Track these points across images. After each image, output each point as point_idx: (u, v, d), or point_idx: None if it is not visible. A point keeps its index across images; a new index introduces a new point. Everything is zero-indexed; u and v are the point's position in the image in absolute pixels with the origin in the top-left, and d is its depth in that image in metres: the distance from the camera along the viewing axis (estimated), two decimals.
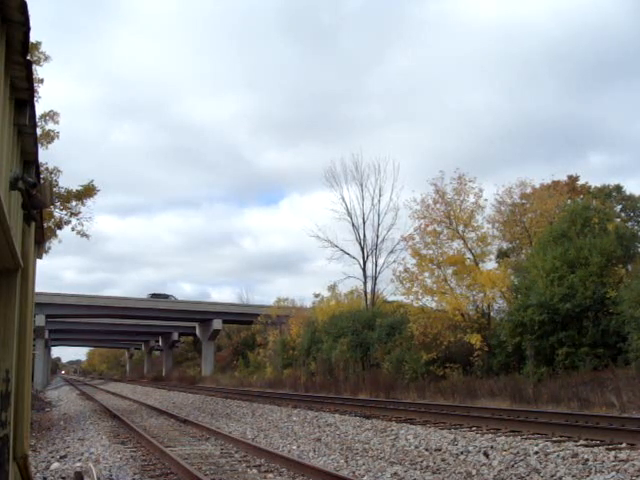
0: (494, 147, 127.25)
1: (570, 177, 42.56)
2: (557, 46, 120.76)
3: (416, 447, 11.24)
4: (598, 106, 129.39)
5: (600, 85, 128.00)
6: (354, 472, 9.44)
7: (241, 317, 64.96)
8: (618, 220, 30.91)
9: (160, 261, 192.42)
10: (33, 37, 4.05)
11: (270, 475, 9.39)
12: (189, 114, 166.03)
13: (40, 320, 51.76)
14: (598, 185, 41.82)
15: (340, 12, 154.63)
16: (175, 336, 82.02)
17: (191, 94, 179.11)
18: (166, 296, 73.95)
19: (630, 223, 36.93)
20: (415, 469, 9.47)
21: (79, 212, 21.23)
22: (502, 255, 33.36)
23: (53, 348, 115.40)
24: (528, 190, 34.25)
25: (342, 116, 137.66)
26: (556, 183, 38.00)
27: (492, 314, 28.65)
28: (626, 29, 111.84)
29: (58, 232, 21.13)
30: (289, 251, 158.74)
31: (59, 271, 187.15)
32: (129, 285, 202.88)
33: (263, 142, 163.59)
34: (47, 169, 19.98)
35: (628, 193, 41.01)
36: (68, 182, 21.39)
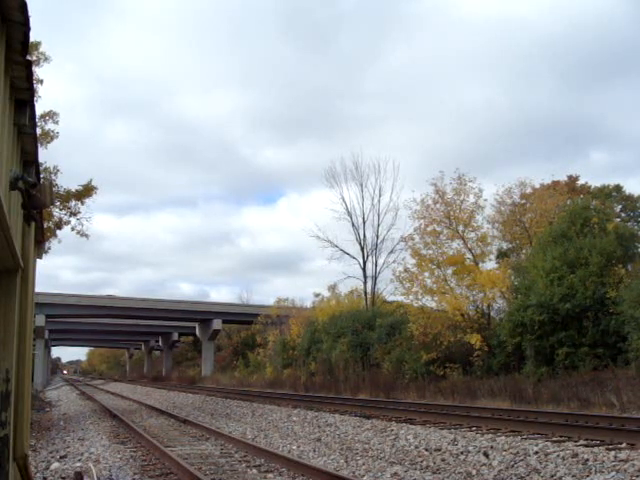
0: (494, 145, 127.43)
1: (570, 177, 42.62)
2: (556, 42, 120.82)
3: (416, 447, 11.23)
4: (598, 103, 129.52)
5: (600, 82, 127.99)
6: (354, 472, 9.44)
7: (241, 317, 64.95)
8: (618, 220, 30.93)
9: (158, 260, 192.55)
10: (31, 37, 4.05)
11: (270, 475, 9.40)
12: (185, 112, 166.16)
13: (40, 320, 51.71)
14: (598, 185, 41.92)
15: (337, 9, 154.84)
16: (175, 336, 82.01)
17: (187, 91, 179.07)
18: None
19: (630, 223, 36.97)
20: (415, 469, 9.47)
21: (78, 212, 21.30)
22: (502, 255, 33.35)
23: (53, 348, 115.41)
24: (528, 190, 34.28)
25: (340, 114, 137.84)
26: (556, 183, 38.03)
27: (492, 314, 28.65)
28: (627, 25, 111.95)
29: (58, 232, 21.16)
30: (288, 251, 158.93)
31: (56, 270, 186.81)
32: (127, 285, 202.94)
33: (261, 140, 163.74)
34: (46, 169, 20.00)
35: (628, 193, 41.11)
36: (64, 181, 21.46)
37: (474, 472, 8.92)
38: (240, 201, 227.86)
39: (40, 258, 8.40)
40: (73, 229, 21.24)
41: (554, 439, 10.73)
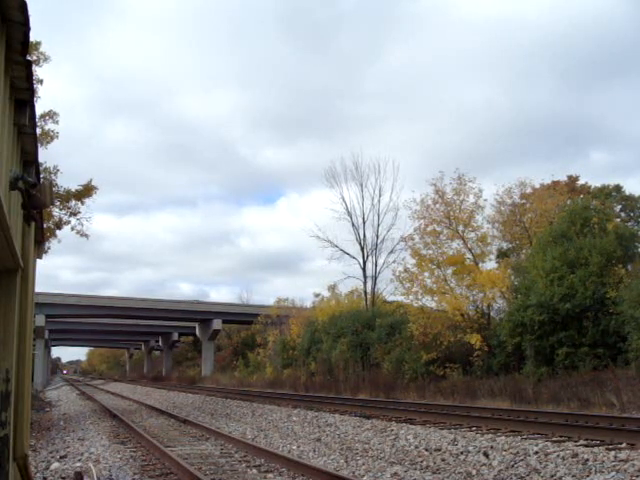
0: (494, 145, 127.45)
1: (570, 177, 42.61)
2: (556, 42, 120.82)
3: (416, 447, 11.23)
4: (598, 103, 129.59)
5: (600, 82, 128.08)
6: (354, 472, 9.44)
7: (241, 317, 64.95)
8: (618, 220, 30.91)
9: (157, 260, 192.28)
10: (31, 37, 4.05)
11: (270, 475, 9.40)
12: (185, 112, 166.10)
13: (40, 320, 51.71)
14: (598, 185, 41.89)
15: (337, 9, 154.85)
16: (175, 336, 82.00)
17: (187, 91, 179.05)
18: None
19: (630, 223, 36.94)
20: (415, 469, 9.47)
21: (78, 212, 21.29)
22: (502, 255, 33.35)
23: (53, 348, 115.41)
24: (528, 190, 34.28)
25: (340, 114, 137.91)
26: (556, 183, 38.01)
27: (492, 314, 28.64)
28: (627, 25, 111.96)
29: (58, 232, 21.17)
30: (288, 251, 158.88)
31: (56, 270, 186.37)
32: (127, 285, 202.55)
33: (261, 140, 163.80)
34: (46, 169, 20.00)
35: (628, 193, 41.07)
36: (64, 181, 21.46)
37: (474, 472, 8.92)
38: (240, 201, 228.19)
39: (40, 258, 8.40)
40: (73, 229, 21.27)
41: (554, 439, 10.73)
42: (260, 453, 11.24)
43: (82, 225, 21.24)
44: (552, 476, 8.20)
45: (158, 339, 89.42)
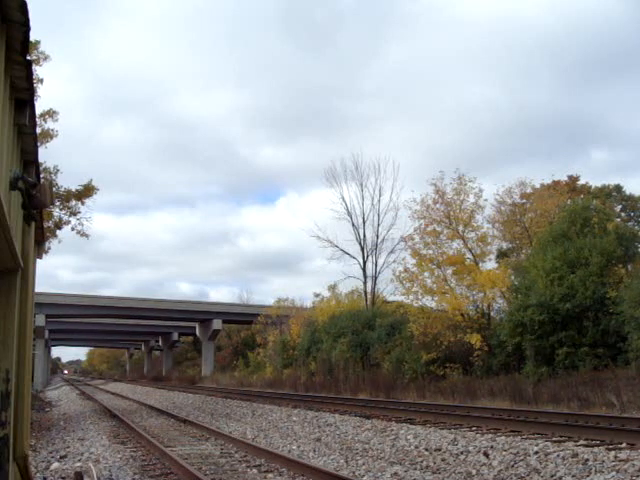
0: (494, 144, 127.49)
1: (570, 177, 42.62)
2: (556, 41, 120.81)
3: (416, 447, 11.23)
4: (599, 102, 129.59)
5: (600, 81, 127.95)
6: (354, 472, 9.44)
7: (241, 317, 64.96)
8: (618, 220, 30.92)
9: (156, 260, 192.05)
10: (31, 36, 4.06)
11: (270, 475, 9.40)
12: (184, 110, 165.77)
13: (40, 320, 51.73)
14: (598, 185, 41.92)
15: (336, 7, 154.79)
16: (175, 336, 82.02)
17: (186, 90, 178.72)
18: None
19: (630, 223, 36.96)
20: (415, 469, 9.47)
21: (78, 212, 21.30)
22: (502, 255, 33.36)
23: (53, 348, 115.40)
24: (528, 190, 34.34)
25: (340, 113, 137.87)
26: (556, 183, 38.05)
27: (492, 314, 28.65)
28: (626, 24, 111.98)
29: (58, 232, 21.17)
30: (287, 250, 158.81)
31: (55, 270, 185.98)
32: (126, 285, 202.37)
33: (260, 139, 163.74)
34: (46, 169, 20.00)
35: (628, 193, 41.11)
36: (63, 181, 21.45)
37: (474, 472, 8.92)
38: (239, 200, 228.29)
39: (40, 258, 8.39)
40: (73, 229, 21.27)
41: (554, 439, 10.73)
42: (260, 453, 11.24)
43: (82, 225, 21.26)
44: (552, 476, 8.21)
45: (158, 339, 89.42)
